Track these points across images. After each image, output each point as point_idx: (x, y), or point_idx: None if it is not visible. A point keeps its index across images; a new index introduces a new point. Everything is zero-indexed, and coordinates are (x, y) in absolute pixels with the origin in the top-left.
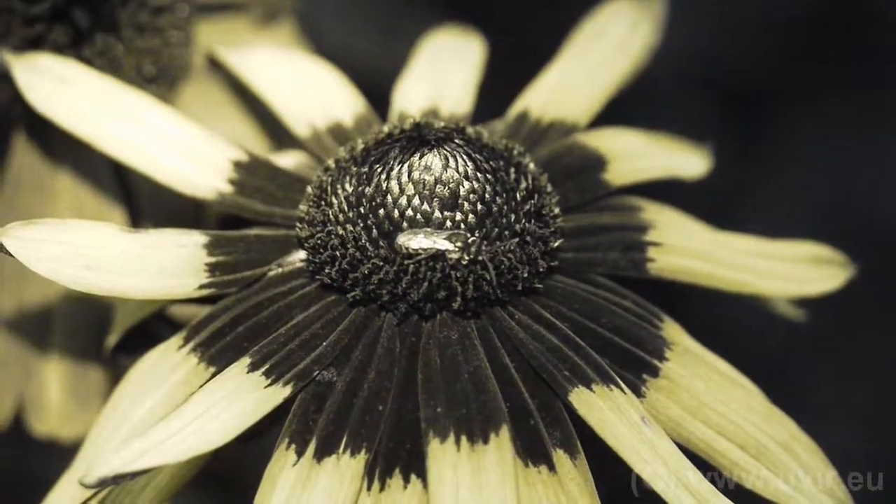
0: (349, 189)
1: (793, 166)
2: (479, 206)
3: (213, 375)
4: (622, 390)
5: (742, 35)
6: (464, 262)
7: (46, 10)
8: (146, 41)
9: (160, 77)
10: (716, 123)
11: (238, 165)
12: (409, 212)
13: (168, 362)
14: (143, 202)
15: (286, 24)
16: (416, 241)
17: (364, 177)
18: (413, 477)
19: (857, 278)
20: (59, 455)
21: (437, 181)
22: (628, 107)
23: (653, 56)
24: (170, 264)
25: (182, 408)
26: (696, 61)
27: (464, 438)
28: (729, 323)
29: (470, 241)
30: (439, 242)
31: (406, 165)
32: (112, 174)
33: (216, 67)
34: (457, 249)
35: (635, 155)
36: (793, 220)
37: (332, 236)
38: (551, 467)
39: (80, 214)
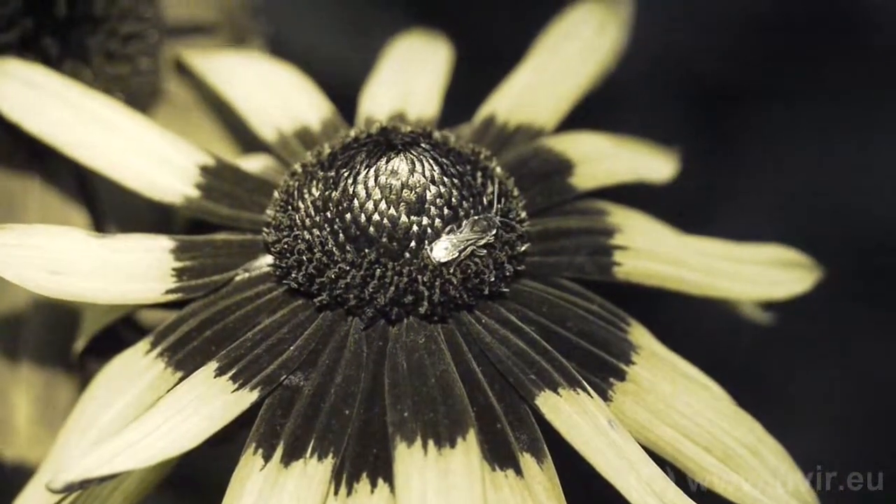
0: (316, 193)
1: (766, 168)
2: (446, 211)
3: (181, 380)
4: (589, 394)
5: (714, 36)
6: (495, 238)
7: (15, 38)
8: (116, 68)
9: (130, 103)
10: (687, 125)
11: (205, 170)
12: (376, 216)
13: (135, 367)
14: (106, 208)
15: (255, 46)
16: (446, 252)
17: (331, 181)
18: (380, 481)
19: (829, 279)
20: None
21: (403, 186)
22: (598, 109)
23: (623, 58)
24: (137, 269)
25: (149, 413)
26: (668, 63)
27: (430, 442)
28: (696, 326)
29: (487, 217)
30: (470, 238)
31: (373, 170)
32: (75, 181)
33: (184, 72)
34: (484, 234)
35: (602, 158)
36: (767, 221)
37: (299, 241)
38: (518, 471)
39: (45, 222)
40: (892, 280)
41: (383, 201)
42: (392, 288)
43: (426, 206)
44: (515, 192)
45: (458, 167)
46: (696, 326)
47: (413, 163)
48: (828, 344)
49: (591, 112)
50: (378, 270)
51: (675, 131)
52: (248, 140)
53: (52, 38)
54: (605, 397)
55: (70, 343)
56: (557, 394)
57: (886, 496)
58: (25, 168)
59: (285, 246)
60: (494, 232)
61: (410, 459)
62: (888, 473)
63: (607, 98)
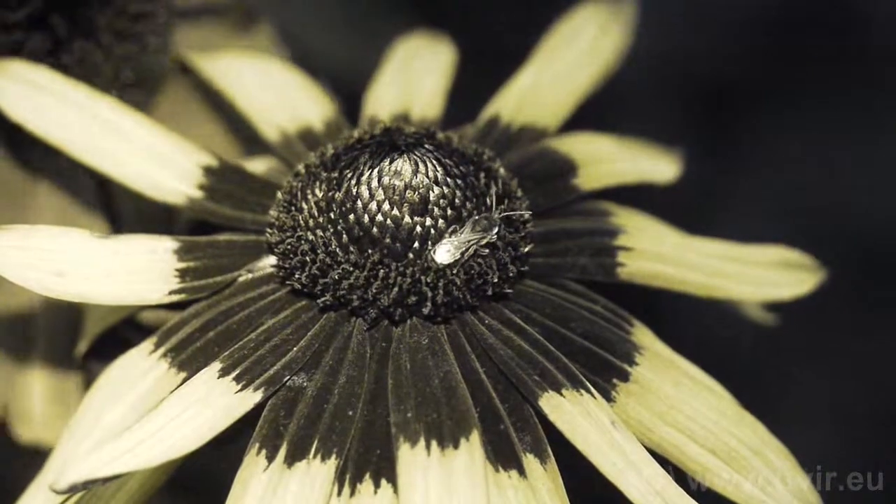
0: (319, 194)
1: (766, 168)
2: (449, 211)
3: (184, 381)
4: (592, 395)
5: (716, 36)
6: (497, 238)
7: (24, 17)
8: (124, 47)
9: (139, 83)
10: (688, 125)
11: (208, 171)
12: (380, 217)
13: (138, 368)
14: (124, 209)
15: (263, 28)
16: (449, 255)
17: (334, 182)
18: (383, 482)
19: (832, 280)
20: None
21: (407, 186)
22: (602, 110)
23: (626, 58)
24: (140, 270)
25: (153, 413)
26: (669, 63)
27: (434, 443)
28: (699, 327)
29: (487, 216)
30: (471, 239)
31: (376, 171)
32: (91, 181)
33: (186, 72)
34: (486, 233)
35: (605, 160)
36: (767, 221)
37: (303, 241)
38: (522, 472)
39: (62, 223)
40: (892, 280)
41: (387, 202)
42: (395, 289)
43: (429, 206)
44: (519, 193)
45: (461, 168)
46: (699, 327)
47: (416, 164)
48: (828, 344)
49: (593, 113)
50: (381, 271)
51: (677, 132)
52: (251, 140)
53: (60, 17)
54: (609, 398)
55: (76, 343)
56: (561, 394)
57: (886, 496)
58: (37, 170)
59: (289, 247)
60: (496, 230)
61: (414, 460)
62: (888, 473)
63: (609, 99)
